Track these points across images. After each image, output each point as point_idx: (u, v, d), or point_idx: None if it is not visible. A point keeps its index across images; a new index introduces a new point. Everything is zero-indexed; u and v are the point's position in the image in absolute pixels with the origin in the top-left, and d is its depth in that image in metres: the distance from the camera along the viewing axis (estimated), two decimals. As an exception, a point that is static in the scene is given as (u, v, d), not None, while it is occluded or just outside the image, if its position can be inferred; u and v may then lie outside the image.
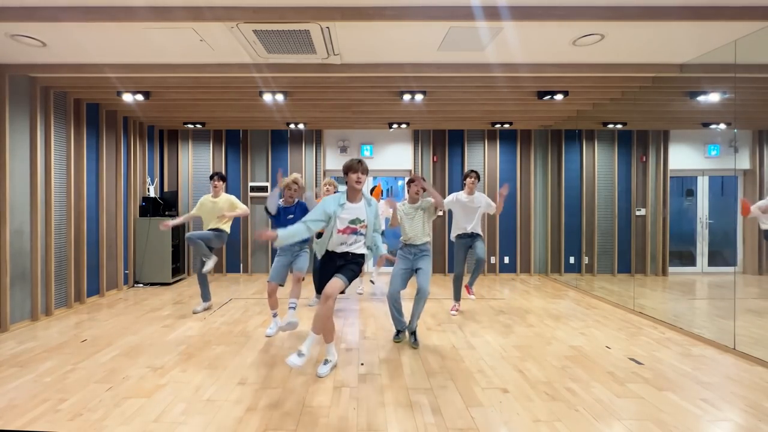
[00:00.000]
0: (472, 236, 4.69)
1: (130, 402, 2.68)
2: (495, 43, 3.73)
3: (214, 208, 4.81)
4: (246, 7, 3.13)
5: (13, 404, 2.65)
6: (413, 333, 3.85)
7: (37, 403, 2.66)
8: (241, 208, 4.91)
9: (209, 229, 4.80)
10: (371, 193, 5.67)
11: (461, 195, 4.69)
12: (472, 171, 4.68)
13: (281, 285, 3.98)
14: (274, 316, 4.07)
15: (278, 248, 3.92)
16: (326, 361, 3.18)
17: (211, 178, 4.89)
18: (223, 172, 7.54)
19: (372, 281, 6.08)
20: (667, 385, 2.93)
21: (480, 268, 4.74)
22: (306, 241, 3.87)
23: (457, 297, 4.87)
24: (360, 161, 2.97)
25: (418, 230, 3.89)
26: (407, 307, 3.97)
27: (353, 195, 3.02)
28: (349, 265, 3.05)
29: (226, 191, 7.48)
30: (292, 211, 3.96)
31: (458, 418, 2.48)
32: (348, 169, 2.98)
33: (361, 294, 5.84)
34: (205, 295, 4.96)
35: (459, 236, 4.73)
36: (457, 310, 4.83)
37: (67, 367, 3.24)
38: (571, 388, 2.90)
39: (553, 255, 7.44)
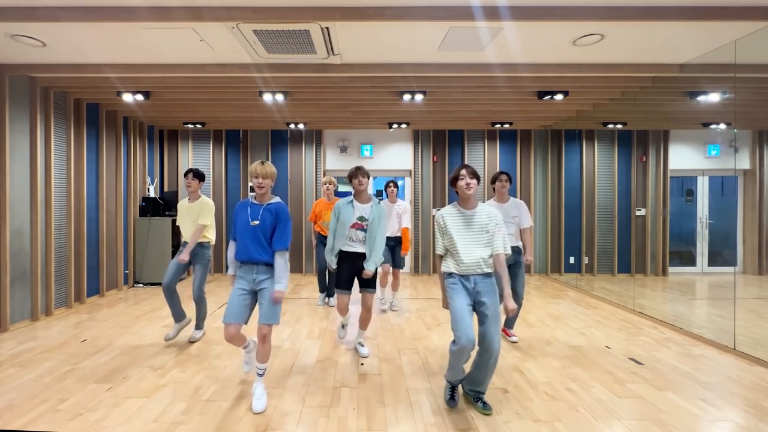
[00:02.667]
0: (512, 251, 3.64)
1: (130, 402, 2.68)
2: (495, 43, 3.73)
3: (189, 214, 3.82)
4: (246, 7, 3.13)
5: (13, 404, 2.65)
6: (480, 398, 2.61)
7: (37, 403, 2.66)
8: (204, 223, 3.77)
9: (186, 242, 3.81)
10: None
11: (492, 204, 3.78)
12: (502, 173, 3.77)
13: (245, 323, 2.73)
14: (246, 348, 2.98)
15: (234, 273, 2.84)
16: (361, 344, 3.61)
17: (185, 175, 3.81)
18: (223, 172, 7.53)
19: (391, 308, 5.10)
20: (667, 385, 2.94)
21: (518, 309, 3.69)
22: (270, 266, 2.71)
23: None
24: (359, 168, 3.37)
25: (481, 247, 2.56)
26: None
27: (359, 196, 3.38)
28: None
29: (226, 193, 7.54)
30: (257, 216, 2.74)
31: (458, 418, 2.48)
32: (351, 176, 3.38)
33: (384, 311, 4.99)
34: (178, 315, 3.80)
35: None
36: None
37: (67, 367, 3.24)
38: (571, 388, 2.90)
39: (553, 255, 7.45)
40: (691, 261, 7.02)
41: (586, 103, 5.83)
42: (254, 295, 2.72)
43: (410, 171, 7.62)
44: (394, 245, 4.83)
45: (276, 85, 4.89)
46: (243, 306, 2.66)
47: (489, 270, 2.53)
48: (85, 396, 2.76)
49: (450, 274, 2.56)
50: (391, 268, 4.86)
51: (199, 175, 3.82)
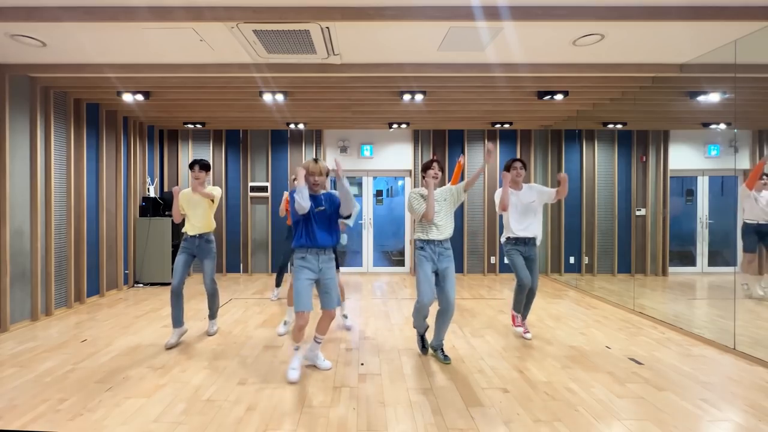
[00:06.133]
0: (527, 243, 3.81)
1: (130, 402, 2.68)
2: (495, 43, 3.73)
3: (199, 201, 3.82)
4: (246, 7, 3.13)
5: (13, 404, 2.65)
6: (441, 348, 3.43)
7: (37, 403, 2.66)
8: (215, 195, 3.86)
9: (193, 236, 3.80)
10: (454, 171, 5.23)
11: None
12: (516, 159, 3.85)
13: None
14: (297, 349, 3.11)
15: (298, 257, 3.01)
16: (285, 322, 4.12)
17: (191, 167, 3.81)
18: (223, 172, 7.53)
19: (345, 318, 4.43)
20: (667, 385, 2.94)
21: (532, 299, 3.92)
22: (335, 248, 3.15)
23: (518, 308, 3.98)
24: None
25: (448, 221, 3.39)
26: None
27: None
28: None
29: (226, 192, 7.53)
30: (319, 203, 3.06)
31: (458, 418, 2.48)
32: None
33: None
34: (178, 320, 3.78)
35: (509, 240, 3.87)
36: (523, 327, 3.97)
37: (67, 367, 3.24)
38: (571, 388, 2.90)
39: (553, 255, 7.44)
40: (691, 261, 7.01)
41: (586, 103, 5.83)
42: (315, 283, 3.03)
43: (410, 171, 7.62)
44: None
45: (276, 85, 4.89)
46: (310, 294, 2.96)
47: None
48: (85, 396, 2.76)
49: (421, 247, 3.33)
50: None
51: (205, 167, 3.82)
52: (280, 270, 5.49)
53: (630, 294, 5.50)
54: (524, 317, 3.99)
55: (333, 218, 3.08)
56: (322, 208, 3.03)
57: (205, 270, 3.88)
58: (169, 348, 3.67)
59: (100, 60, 4.17)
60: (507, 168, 3.85)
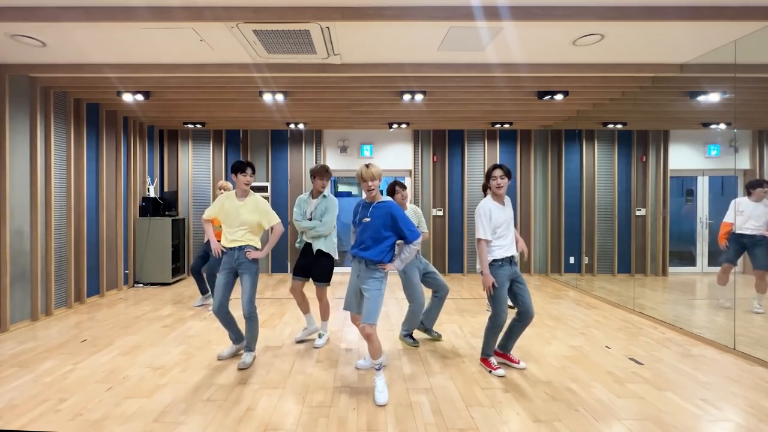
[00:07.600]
0: (512, 263, 3.14)
1: (130, 402, 2.68)
2: (495, 43, 3.73)
3: (251, 211, 3.31)
4: (246, 7, 3.13)
5: (13, 404, 2.65)
6: (431, 330, 4.03)
7: (37, 403, 2.66)
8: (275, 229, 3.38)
9: (231, 249, 3.28)
10: None
11: (490, 203, 3.16)
12: (497, 166, 3.14)
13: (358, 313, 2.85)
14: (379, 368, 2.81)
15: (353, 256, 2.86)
16: (320, 335, 3.85)
17: (243, 169, 3.28)
18: (223, 172, 7.53)
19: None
20: (667, 385, 2.94)
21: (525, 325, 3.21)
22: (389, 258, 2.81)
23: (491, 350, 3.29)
24: (325, 168, 3.77)
25: None
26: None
27: (315, 194, 3.79)
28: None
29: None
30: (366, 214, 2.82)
31: (458, 418, 2.48)
32: (316, 174, 3.75)
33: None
34: (238, 337, 3.50)
35: (497, 262, 3.09)
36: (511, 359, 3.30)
37: (67, 367, 3.24)
38: (571, 388, 2.90)
39: (553, 255, 7.44)
40: (691, 261, 7.01)
41: (586, 103, 5.83)
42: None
43: (410, 171, 7.62)
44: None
45: (276, 85, 4.89)
46: (356, 296, 2.87)
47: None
48: (85, 396, 2.76)
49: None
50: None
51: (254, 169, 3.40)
52: (205, 275, 5.05)
53: (630, 294, 5.50)
54: (509, 349, 3.30)
55: (379, 231, 2.70)
56: (368, 219, 2.74)
57: (243, 288, 3.28)
58: (221, 359, 3.41)
59: (99, 60, 4.17)
60: (487, 176, 3.15)
